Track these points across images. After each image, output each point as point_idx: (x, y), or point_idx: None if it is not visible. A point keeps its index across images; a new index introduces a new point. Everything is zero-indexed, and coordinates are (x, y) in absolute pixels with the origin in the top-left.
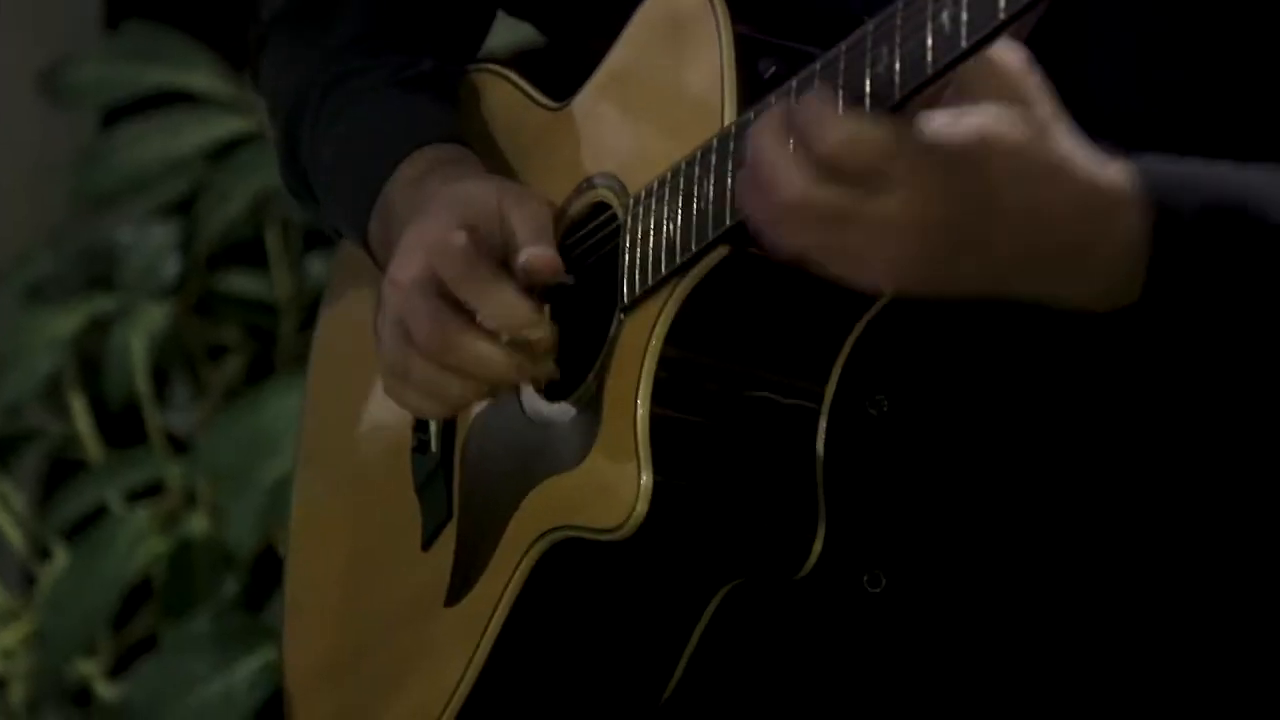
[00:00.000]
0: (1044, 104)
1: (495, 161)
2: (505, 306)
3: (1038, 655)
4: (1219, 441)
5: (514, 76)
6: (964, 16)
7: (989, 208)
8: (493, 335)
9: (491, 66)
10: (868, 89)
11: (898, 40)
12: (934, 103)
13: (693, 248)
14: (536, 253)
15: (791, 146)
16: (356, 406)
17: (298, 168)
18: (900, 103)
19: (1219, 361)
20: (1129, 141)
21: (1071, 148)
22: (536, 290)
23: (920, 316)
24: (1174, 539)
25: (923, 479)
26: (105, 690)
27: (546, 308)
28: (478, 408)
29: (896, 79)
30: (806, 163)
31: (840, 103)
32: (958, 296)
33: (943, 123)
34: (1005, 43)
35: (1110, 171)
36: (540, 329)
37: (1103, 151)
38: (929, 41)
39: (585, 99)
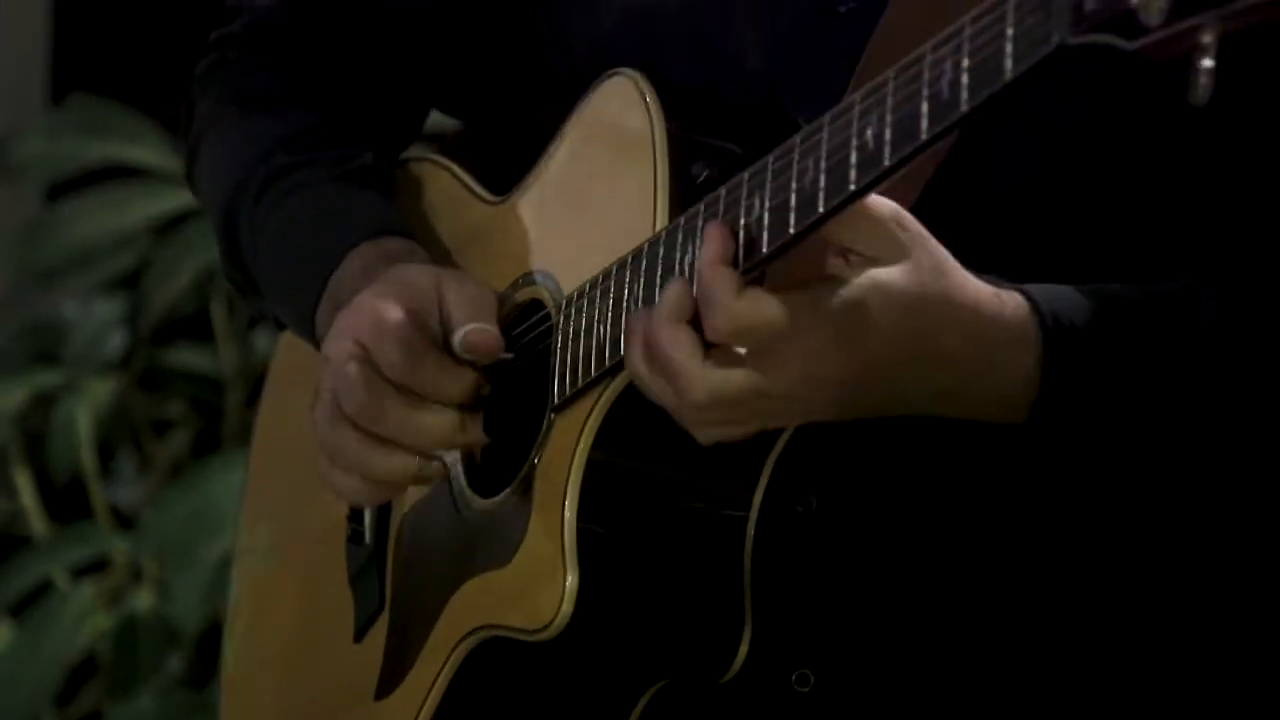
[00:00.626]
0: (926, 248)
1: (433, 253)
2: (437, 375)
3: None
4: (1144, 546)
5: (454, 168)
6: (881, 143)
7: (889, 354)
8: (425, 402)
9: (431, 156)
10: (765, 221)
11: (794, 175)
12: (815, 264)
13: (622, 352)
14: (475, 329)
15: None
16: (295, 492)
17: (238, 261)
18: (794, 238)
19: (1113, 476)
20: (1029, 212)
21: (963, 284)
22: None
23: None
24: (1105, 630)
25: (850, 576)
26: None
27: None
28: (411, 499)
29: (792, 216)
30: (704, 359)
31: (724, 278)
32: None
33: (828, 289)
34: (875, 197)
35: (1006, 306)
36: (475, 390)
37: (994, 283)
38: (821, 182)
39: (524, 195)
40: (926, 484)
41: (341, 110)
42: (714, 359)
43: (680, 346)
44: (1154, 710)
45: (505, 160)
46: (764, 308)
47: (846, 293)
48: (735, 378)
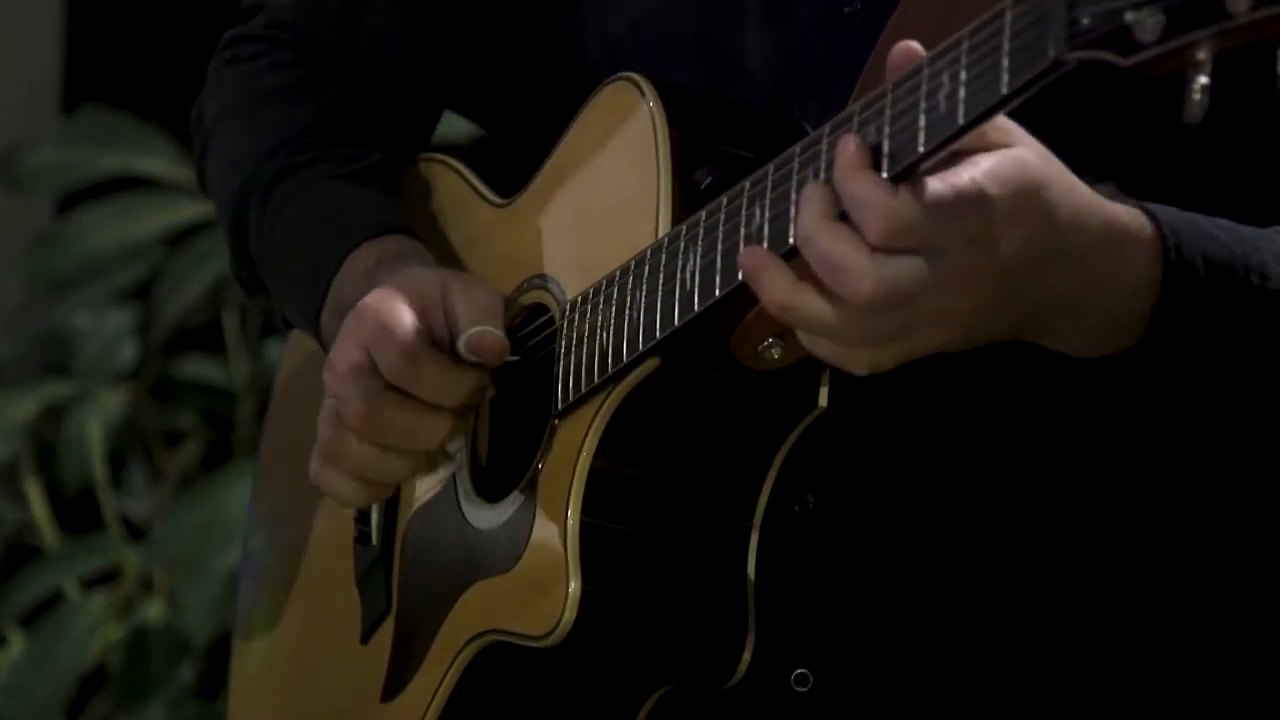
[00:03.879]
0: (1033, 143)
1: (437, 253)
2: (439, 380)
3: None
4: (1145, 527)
5: (462, 169)
6: (886, 147)
7: (1034, 248)
8: (424, 407)
9: (440, 157)
10: (765, 232)
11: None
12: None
13: (624, 358)
14: (479, 331)
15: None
16: (304, 493)
17: (247, 260)
18: (794, 249)
19: (1189, 418)
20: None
21: (1085, 189)
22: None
23: (845, 417)
24: (1104, 629)
25: (849, 574)
26: None
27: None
28: (417, 502)
29: (792, 226)
30: (868, 251)
31: (872, 179)
32: (990, 341)
33: (973, 174)
34: None
35: (1124, 213)
36: (478, 393)
37: (1108, 195)
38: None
39: (528, 199)
40: (922, 479)
41: (352, 109)
42: (880, 251)
43: (842, 240)
44: (1152, 712)
45: (516, 164)
46: (923, 200)
47: (992, 172)
48: (906, 265)
